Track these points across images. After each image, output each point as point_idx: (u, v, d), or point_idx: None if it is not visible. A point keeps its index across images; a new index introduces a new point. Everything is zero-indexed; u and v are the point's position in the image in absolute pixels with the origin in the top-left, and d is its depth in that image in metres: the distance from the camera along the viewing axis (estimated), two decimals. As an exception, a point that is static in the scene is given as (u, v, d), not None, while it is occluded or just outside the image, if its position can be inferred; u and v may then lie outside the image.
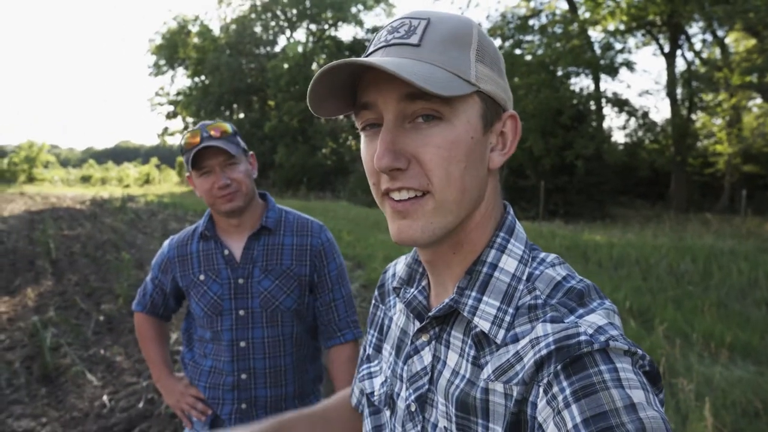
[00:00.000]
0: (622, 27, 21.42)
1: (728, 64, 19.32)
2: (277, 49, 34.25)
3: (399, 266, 0.87)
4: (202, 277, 1.59)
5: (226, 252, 1.58)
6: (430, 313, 0.69)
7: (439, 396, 0.68)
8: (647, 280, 7.01)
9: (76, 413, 3.49)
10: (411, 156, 0.61)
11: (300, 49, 29.76)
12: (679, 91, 21.18)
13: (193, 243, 1.64)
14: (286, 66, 28.88)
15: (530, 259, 0.68)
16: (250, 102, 34.13)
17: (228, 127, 1.55)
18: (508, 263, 0.67)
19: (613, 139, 23.26)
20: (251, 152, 1.64)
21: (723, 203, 19.84)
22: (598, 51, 20.92)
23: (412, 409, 0.72)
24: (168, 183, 41.17)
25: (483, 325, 0.64)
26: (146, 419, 3.40)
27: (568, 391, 0.53)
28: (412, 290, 0.76)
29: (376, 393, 0.83)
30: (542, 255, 0.70)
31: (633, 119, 22.95)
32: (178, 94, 36.99)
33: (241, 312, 1.56)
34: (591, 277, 6.91)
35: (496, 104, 0.64)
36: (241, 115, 34.39)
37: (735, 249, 8.56)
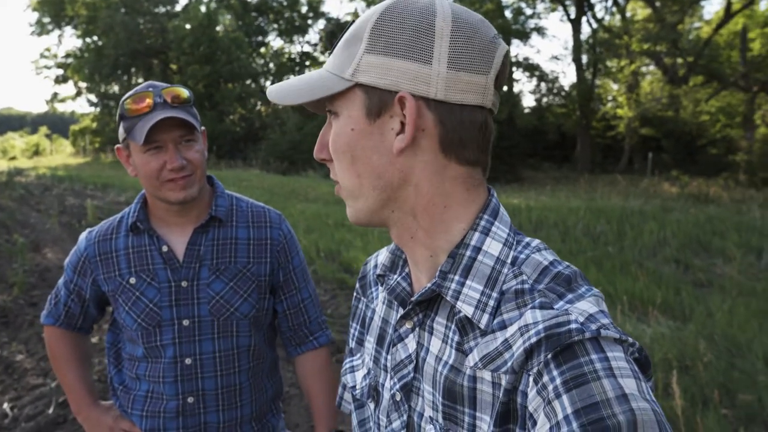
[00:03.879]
0: (531, -8, 21.94)
1: (628, 31, 20.34)
2: (178, 8, 32.08)
3: (381, 256, 0.85)
4: (132, 281, 1.30)
5: (165, 248, 1.30)
6: (412, 299, 0.69)
7: (425, 384, 0.68)
8: (566, 242, 7.25)
9: (-30, 427, 3.03)
10: None
11: (203, 9, 27.99)
12: (584, 57, 22.10)
13: (119, 237, 1.33)
14: (188, 27, 27.10)
15: (515, 243, 0.67)
16: (150, 65, 31.89)
17: (185, 92, 1.25)
18: (492, 246, 0.66)
19: (522, 103, 24.00)
20: (203, 127, 1.34)
21: (623, 164, 21.14)
22: (509, 16, 21.33)
23: (397, 398, 0.72)
24: (61, 154, 37.98)
25: (466, 309, 0.63)
26: (58, 427, 3.00)
27: (558, 381, 0.52)
28: (396, 277, 0.76)
29: (358, 387, 0.82)
30: (527, 239, 0.69)
31: (543, 84, 23.76)
32: (67, 56, 33.93)
33: (186, 322, 1.30)
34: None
35: (384, 91, 0.62)
36: (141, 80, 32.11)
37: (643, 209, 9.08)
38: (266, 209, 1.42)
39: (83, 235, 1.38)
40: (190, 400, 1.31)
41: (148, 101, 1.20)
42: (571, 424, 0.49)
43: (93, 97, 33.80)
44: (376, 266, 0.87)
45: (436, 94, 0.62)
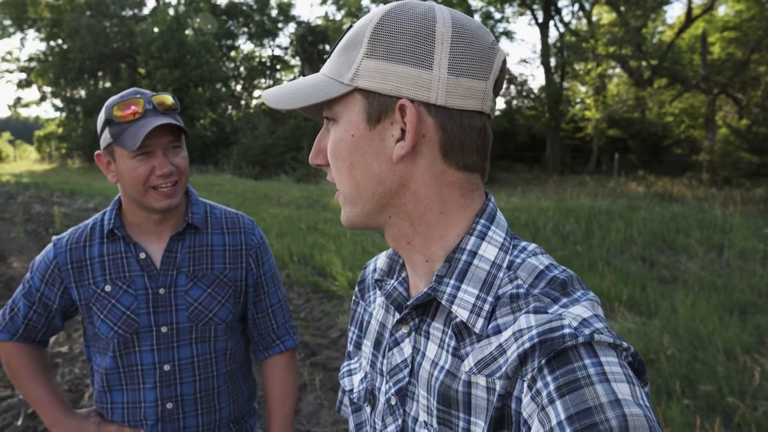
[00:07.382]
0: (499, -4, 22.27)
1: (594, 35, 20.78)
2: (146, 11, 31.64)
3: (380, 260, 0.85)
4: (108, 288, 1.29)
5: (143, 255, 1.30)
6: (408, 303, 0.69)
7: (420, 389, 0.68)
8: (536, 241, 7.37)
9: (-65, 441, 2.96)
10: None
11: (171, 12, 27.65)
12: (552, 60, 22.49)
13: (93, 245, 1.32)
14: (156, 30, 26.73)
15: (511, 247, 0.67)
16: (117, 69, 31.31)
17: (172, 99, 1.27)
18: (488, 250, 0.66)
19: (493, 106, 24.33)
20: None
21: (592, 165, 21.56)
22: (478, 20, 21.65)
23: (393, 402, 0.72)
24: (26, 161, 36.94)
25: (461, 313, 0.63)
26: (27, 437, 2.96)
27: (552, 387, 0.52)
28: (393, 281, 0.76)
29: (355, 390, 0.83)
30: (523, 243, 0.69)
31: (513, 86, 24.09)
32: (30, 59, 33.14)
33: (164, 329, 1.31)
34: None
35: (384, 97, 0.62)
36: (108, 84, 31.52)
37: (611, 209, 9.29)
38: (239, 215, 1.44)
39: (51, 244, 1.36)
40: (169, 405, 1.32)
41: (138, 108, 1.21)
42: (564, 430, 0.50)
43: (58, 102, 33.07)
44: (374, 270, 0.87)
45: (437, 99, 0.62)
